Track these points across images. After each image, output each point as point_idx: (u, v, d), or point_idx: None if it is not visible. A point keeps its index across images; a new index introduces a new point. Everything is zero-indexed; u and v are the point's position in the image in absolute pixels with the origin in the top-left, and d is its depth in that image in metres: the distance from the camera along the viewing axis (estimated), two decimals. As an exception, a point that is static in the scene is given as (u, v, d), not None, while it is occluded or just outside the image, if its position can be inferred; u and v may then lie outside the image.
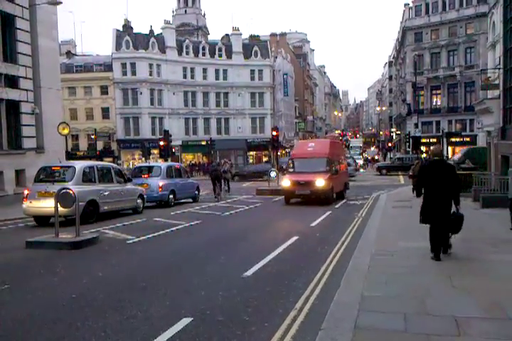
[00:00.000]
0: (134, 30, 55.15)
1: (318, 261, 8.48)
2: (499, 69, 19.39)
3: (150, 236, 11.47)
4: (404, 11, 57.73)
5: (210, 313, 5.71)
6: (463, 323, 4.82)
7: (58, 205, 10.33)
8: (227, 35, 62.23)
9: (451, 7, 50.47)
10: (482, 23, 43.67)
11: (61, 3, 20.88)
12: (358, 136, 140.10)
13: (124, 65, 52.12)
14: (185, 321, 5.39)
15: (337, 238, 10.87)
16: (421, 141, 36.98)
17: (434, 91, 52.16)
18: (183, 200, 20.75)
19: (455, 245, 8.25)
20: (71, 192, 10.50)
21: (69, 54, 55.28)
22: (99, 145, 49.50)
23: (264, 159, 60.01)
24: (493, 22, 23.56)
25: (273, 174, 26.42)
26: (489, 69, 24.79)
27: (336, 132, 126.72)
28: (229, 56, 58.86)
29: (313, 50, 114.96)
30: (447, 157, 36.36)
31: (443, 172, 7.68)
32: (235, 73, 58.66)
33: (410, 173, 22.13)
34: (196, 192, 21.74)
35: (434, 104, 52.21)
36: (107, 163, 21.13)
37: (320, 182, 18.44)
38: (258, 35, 67.41)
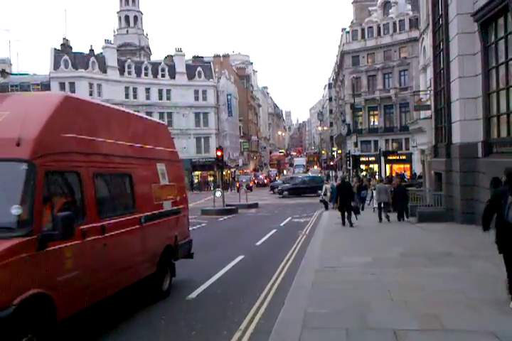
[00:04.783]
0: (74, 50, 54.02)
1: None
2: (430, 91, 20.52)
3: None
4: (342, 35, 60.15)
5: (153, 339, 5.55)
6: (402, 336, 4.95)
7: None
8: (170, 55, 62.19)
9: (385, 32, 53.12)
10: (414, 48, 46.15)
11: (-5, 20, 20.16)
12: (301, 155, 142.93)
13: (62, 85, 50.71)
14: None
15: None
16: (360, 159, 38.15)
17: (371, 112, 54.30)
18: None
19: (395, 259, 8.57)
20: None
21: (4, 73, 53.19)
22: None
23: (210, 179, 59.73)
24: (424, 47, 25.06)
25: (218, 194, 26.33)
26: (421, 91, 26.24)
27: (280, 151, 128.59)
28: (172, 76, 58.75)
29: (256, 72, 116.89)
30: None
31: (346, 187, 16.30)
32: (179, 93, 58.54)
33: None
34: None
35: (371, 124, 54.30)
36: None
37: None
38: (201, 56, 67.84)
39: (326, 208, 23.12)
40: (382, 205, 16.43)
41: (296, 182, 39.71)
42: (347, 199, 15.67)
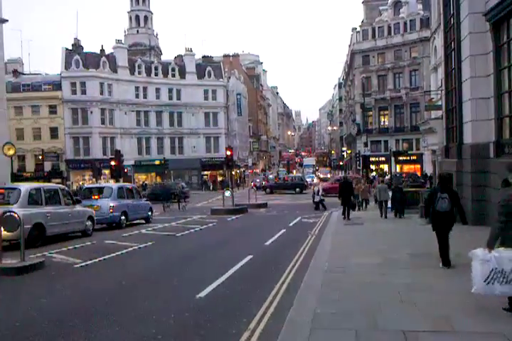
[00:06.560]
0: (85, 50, 54.42)
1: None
2: (441, 90, 20.37)
3: (100, 259, 11.10)
4: (352, 35, 59.89)
5: (161, 338, 5.57)
6: (411, 337, 4.92)
7: (2, 229, 9.88)
8: (180, 55, 62.39)
9: (396, 32, 52.83)
10: (425, 47, 45.88)
11: (7, 21, 20.39)
12: (311, 155, 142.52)
13: (73, 84, 51.09)
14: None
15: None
16: (370, 159, 38.00)
17: (381, 112, 54.07)
18: (135, 221, 20.30)
19: (404, 259, 8.57)
20: (15, 215, 10.10)
21: (16, 73, 53.67)
22: (47, 166, 47.84)
23: (219, 178, 59.82)
24: (435, 46, 24.91)
25: (227, 193, 26.38)
26: (432, 91, 26.07)
27: (290, 151, 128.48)
28: (182, 76, 58.94)
29: (266, 71, 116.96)
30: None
31: (348, 185, 18.69)
32: (189, 93, 58.71)
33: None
34: (149, 212, 21.33)
35: (382, 124, 54.06)
36: (53, 184, 20.42)
37: None
38: (211, 56, 67.98)
39: (317, 208, 24.47)
40: (383, 203, 18.61)
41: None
42: (348, 196, 18.12)
